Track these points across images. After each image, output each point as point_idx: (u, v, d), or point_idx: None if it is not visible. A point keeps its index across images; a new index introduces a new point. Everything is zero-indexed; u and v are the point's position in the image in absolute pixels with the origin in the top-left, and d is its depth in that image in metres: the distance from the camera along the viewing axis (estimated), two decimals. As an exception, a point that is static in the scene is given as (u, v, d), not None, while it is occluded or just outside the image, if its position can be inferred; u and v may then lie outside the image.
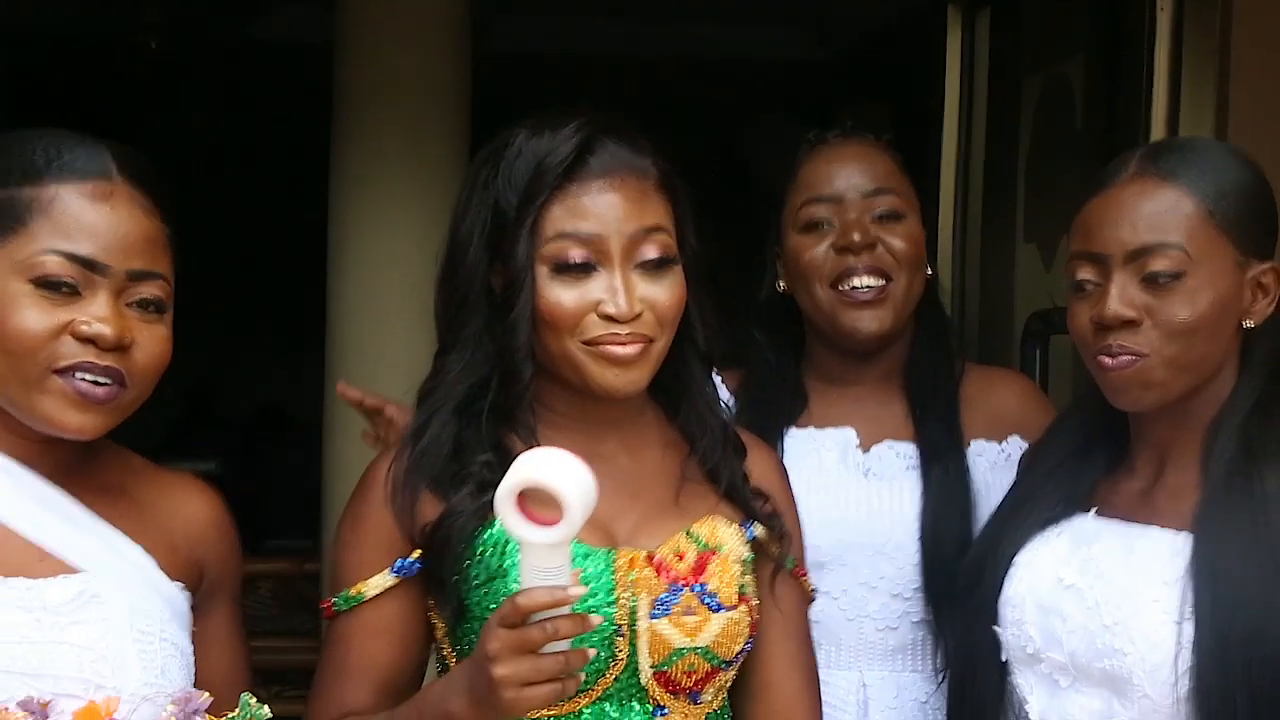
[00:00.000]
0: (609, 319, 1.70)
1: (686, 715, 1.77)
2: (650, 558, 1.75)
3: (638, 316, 1.71)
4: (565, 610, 1.52)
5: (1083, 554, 1.89)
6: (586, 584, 1.65)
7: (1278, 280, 1.86)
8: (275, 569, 4.72)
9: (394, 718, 1.70)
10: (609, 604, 1.71)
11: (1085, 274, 1.86)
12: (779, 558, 1.84)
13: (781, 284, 2.34)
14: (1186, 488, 1.86)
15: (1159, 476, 1.92)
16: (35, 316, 1.59)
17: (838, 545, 2.21)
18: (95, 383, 1.60)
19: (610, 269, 1.71)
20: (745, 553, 1.80)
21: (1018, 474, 2.11)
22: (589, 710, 1.73)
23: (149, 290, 1.65)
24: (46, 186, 1.62)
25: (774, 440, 2.22)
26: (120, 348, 1.61)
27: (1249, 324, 1.87)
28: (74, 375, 1.59)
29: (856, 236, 2.23)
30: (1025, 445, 2.27)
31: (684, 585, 1.74)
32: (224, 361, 8.37)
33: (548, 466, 1.53)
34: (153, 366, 1.65)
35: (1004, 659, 1.94)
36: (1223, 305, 1.83)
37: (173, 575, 1.72)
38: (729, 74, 7.16)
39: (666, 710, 1.76)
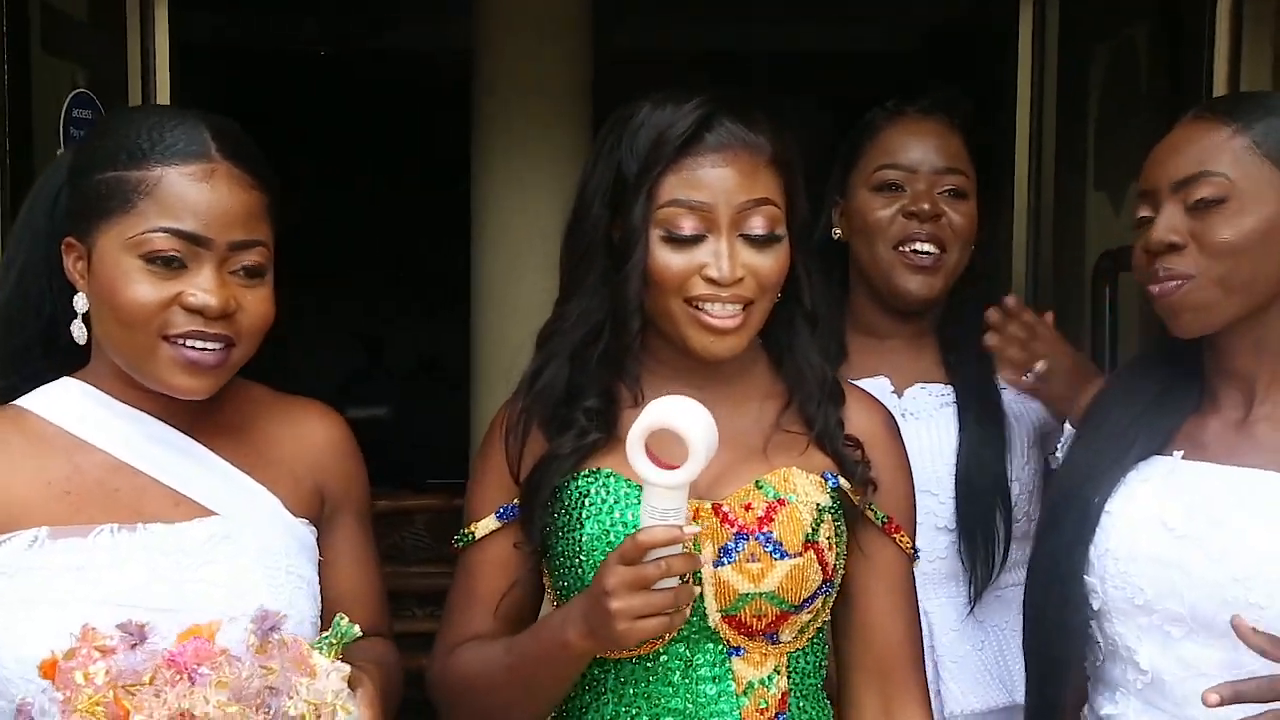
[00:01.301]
0: (712, 281, 1.61)
1: (766, 654, 1.67)
2: (716, 508, 1.64)
3: (739, 281, 1.62)
4: (678, 549, 1.47)
5: (1183, 500, 1.69)
6: None
7: None
8: (429, 504, 4.70)
9: (514, 644, 1.66)
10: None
11: (1143, 211, 1.74)
12: (861, 505, 1.72)
13: (838, 231, 2.26)
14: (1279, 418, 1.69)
15: (1249, 411, 1.71)
16: (146, 290, 1.54)
17: None
18: (205, 349, 1.55)
19: (718, 236, 1.62)
20: (825, 500, 1.68)
21: (1090, 420, 1.88)
22: (666, 651, 1.64)
23: (250, 258, 1.59)
24: (152, 169, 1.55)
25: None
26: (225, 315, 1.56)
27: None
28: (184, 343, 1.55)
29: (926, 206, 2.17)
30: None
31: (749, 534, 1.63)
32: (392, 319, 8.47)
33: (677, 411, 1.46)
34: (258, 326, 1.60)
35: (1096, 608, 1.74)
36: (1271, 228, 1.66)
37: (297, 508, 1.68)
38: (825, 67, 6.97)
39: (743, 650, 1.66)
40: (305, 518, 1.69)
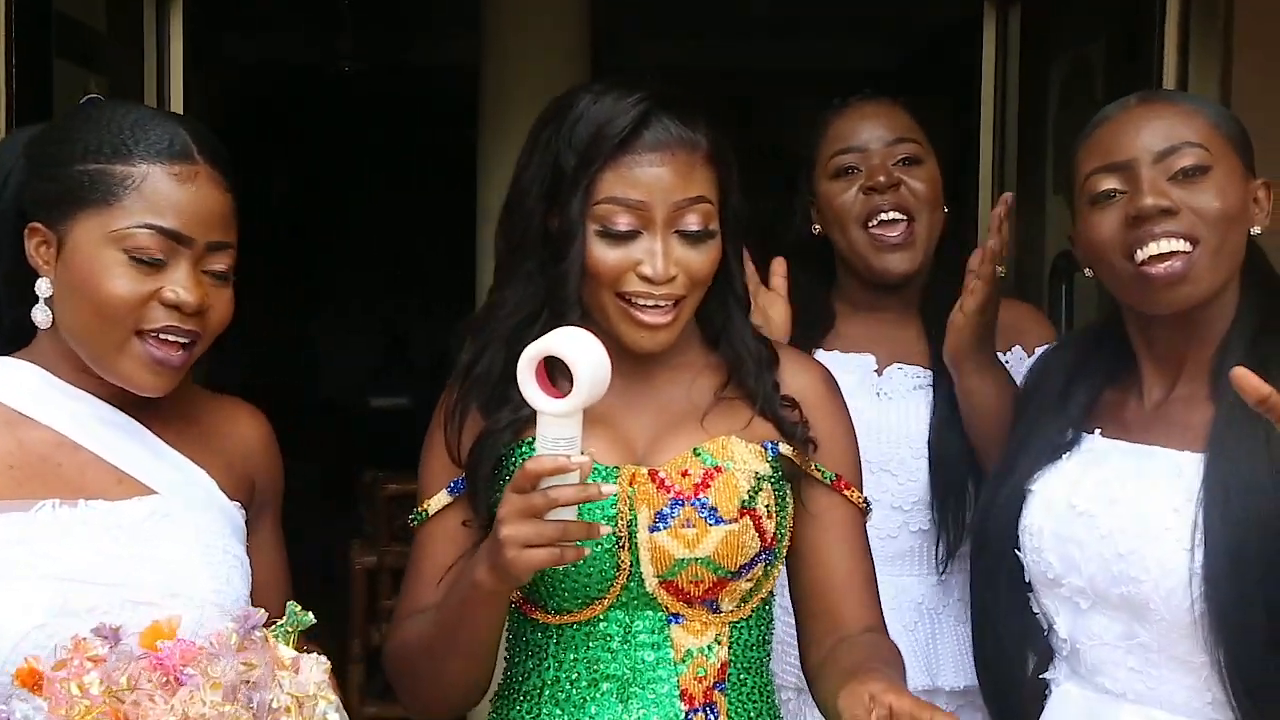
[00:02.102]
0: (645, 279, 1.51)
1: (707, 623, 1.56)
2: (653, 474, 1.54)
3: (672, 279, 1.52)
4: (571, 480, 1.37)
5: (1093, 477, 1.63)
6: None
7: (1268, 194, 1.64)
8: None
9: (439, 600, 1.56)
10: (609, 518, 1.51)
11: (1109, 184, 1.59)
12: (804, 467, 1.61)
13: (816, 228, 2.18)
14: (1197, 401, 1.60)
15: (1169, 393, 1.62)
16: (126, 284, 1.46)
17: None
18: (175, 344, 1.49)
19: (653, 233, 1.52)
20: (764, 469, 1.57)
21: (1023, 401, 1.82)
22: (606, 617, 1.54)
23: (222, 260, 1.53)
24: (138, 165, 1.47)
25: None
26: (199, 312, 1.49)
27: (1255, 230, 1.62)
28: (157, 338, 1.48)
29: (882, 178, 2.08)
30: (1025, 355, 2.07)
31: (684, 500, 1.53)
32: (414, 317, 8.50)
33: (566, 340, 1.38)
34: (221, 325, 1.54)
35: (1026, 580, 1.68)
36: (1241, 205, 1.59)
37: (230, 493, 1.61)
38: (815, 82, 6.90)
39: (682, 618, 1.55)
40: (237, 500, 1.62)
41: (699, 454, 1.55)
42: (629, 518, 1.51)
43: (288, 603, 1.43)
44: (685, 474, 1.54)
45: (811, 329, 2.12)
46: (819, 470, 1.62)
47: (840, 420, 1.67)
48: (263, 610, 1.39)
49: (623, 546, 1.51)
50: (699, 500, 1.52)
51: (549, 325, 1.53)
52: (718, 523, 1.52)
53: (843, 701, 1.37)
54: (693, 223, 1.52)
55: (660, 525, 1.51)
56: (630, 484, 1.52)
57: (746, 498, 1.54)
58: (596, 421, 1.50)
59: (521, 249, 1.57)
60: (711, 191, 1.55)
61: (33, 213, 1.50)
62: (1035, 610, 1.71)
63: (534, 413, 1.42)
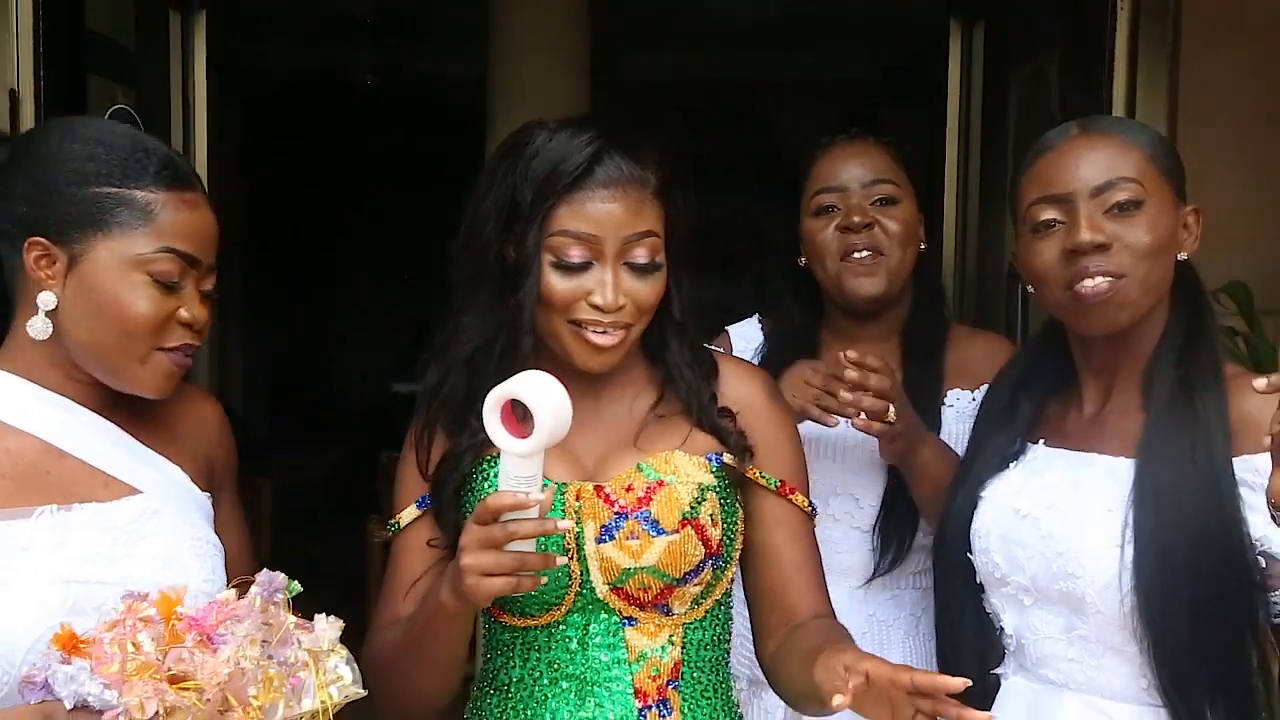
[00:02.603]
0: (596, 308, 1.52)
1: (660, 626, 1.57)
2: (599, 490, 1.55)
3: (621, 308, 1.53)
4: (530, 515, 1.38)
5: (1035, 484, 1.68)
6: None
7: (1197, 219, 1.65)
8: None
9: (409, 613, 1.57)
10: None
11: (1049, 214, 1.61)
12: (742, 470, 1.61)
13: (802, 260, 2.17)
14: (1130, 411, 1.63)
15: (1104, 403, 1.65)
16: (151, 306, 1.47)
17: (814, 483, 1.97)
18: (185, 358, 1.52)
19: (604, 265, 1.52)
20: (708, 480, 1.57)
21: (978, 416, 1.85)
22: (565, 621, 1.56)
23: (212, 280, 1.55)
24: (156, 192, 1.48)
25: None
26: (202, 329, 1.53)
27: (1182, 256, 1.63)
28: (173, 353, 1.50)
29: (856, 218, 2.08)
30: (961, 394, 2.09)
31: (628, 514, 1.53)
32: (438, 311, 8.45)
33: (529, 384, 1.38)
34: (206, 337, 1.56)
35: (978, 582, 1.71)
36: (1170, 235, 1.61)
37: (200, 483, 1.60)
38: (801, 92, 6.90)
39: (635, 621, 1.56)
40: (206, 491, 1.62)
41: (642, 469, 1.56)
42: (576, 531, 1.52)
43: (279, 575, 1.43)
44: (629, 489, 1.54)
45: (794, 357, 2.13)
46: (764, 478, 1.62)
47: (783, 427, 1.66)
48: (283, 576, 1.39)
49: (573, 558, 1.52)
50: (642, 513, 1.53)
51: (506, 351, 1.56)
52: (660, 534, 1.53)
53: (819, 675, 1.38)
54: (640, 256, 1.53)
55: (606, 538, 1.53)
56: (577, 499, 1.53)
57: (689, 509, 1.54)
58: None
59: (479, 278, 1.57)
60: (659, 226, 1.55)
61: (30, 226, 1.47)
62: (988, 610, 1.73)
63: (488, 439, 1.43)
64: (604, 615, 1.55)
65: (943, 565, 1.81)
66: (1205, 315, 1.64)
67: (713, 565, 1.57)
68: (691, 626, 1.59)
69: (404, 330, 9.10)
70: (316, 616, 1.39)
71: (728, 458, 1.59)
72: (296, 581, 1.43)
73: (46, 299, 1.47)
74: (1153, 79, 2.85)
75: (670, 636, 1.57)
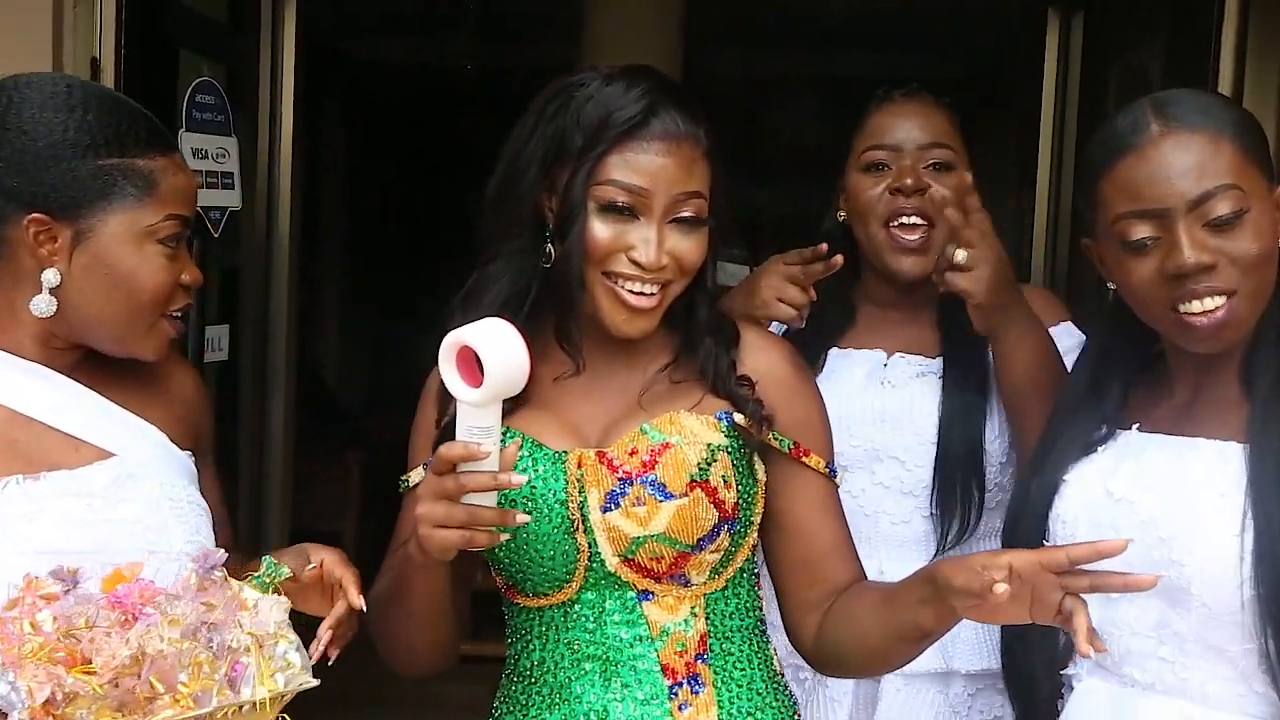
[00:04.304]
0: (636, 264, 1.41)
1: (680, 598, 1.45)
2: (601, 455, 1.43)
3: (662, 267, 1.42)
4: (483, 467, 1.29)
5: (1129, 467, 1.50)
6: (543, 482, 1.42)
7: None
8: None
9: (388, 565, 1.51)
10: (560, 501, 1.42)
11: (1143, 231, 1.43)
12: (760, 438, 1.48)
13: (841, 214, 2.01)
14: (1230, 401, 1.47)
15: (1199, 393, 1.51)
16: (163, 274, 1.43)
17: (856, 451, 1.90)
18: (181, 321, 1.49)
19: (650, 220, 1.41)
20: (718, 439, 1.45)
21: (1057, 402, 1.67)
22: (578, 599, 1.45)
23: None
24: (155, 159, 1.43)
25: (818, 356, 1.93)
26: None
27: None
28: (173, 316, 1.47)
29: (909, 181, 1.92)
30: None
31: (632, 479, 1.42)
32: None
33: (483, 332, 1.29)
34: None
35: None
36: (1274, 233, 1.45)
37: (181, 442, 1.52)
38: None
39: (652, 595, 1.44)
40: (187, 449, 1.53)
41: (646, 431, 1.45)
42: (579, 500, 1.41)
43: (264, 557, 1.36)
44: (633, 453, 1.43)
45: (831, 326, 1.99)
46: (776, 438, 1.49)
47: (807, 396, 1.55)
48: (222, 551, 1.31)
49: (578, 529, 1.41)
50: (647, 478, 1.42)
51: (537, 303, 1.45)
52: (667, 498, 1.41)
53: (958, 580, 1.30)
54: (687, 213, 1.43)
55: (611, 506, 1.41)
56: (579, 466, 1.43)
57: (697, 471, 1.42)
58: (545, 408, 1.46)
59: (514, 225, 1.46)
60: (706, 188, 1.45)
61: (25, 203, 1.38)
62: None
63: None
64: (618, 590, 1.44)
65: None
66: None
67: (729, 530, 1.45)
68: (714, 597, 1.47)
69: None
70: (262, 597, 1.29)
71: (739, 417, 1.47)
72: (285, 567, 1.36)
73: (51, 276, 1.40)
74: (1263, 73, 2.61)
75: (692, 609, 1.46)
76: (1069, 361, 1.77)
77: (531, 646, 1.48)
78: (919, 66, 6.39)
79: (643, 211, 1.41)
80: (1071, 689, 1.55)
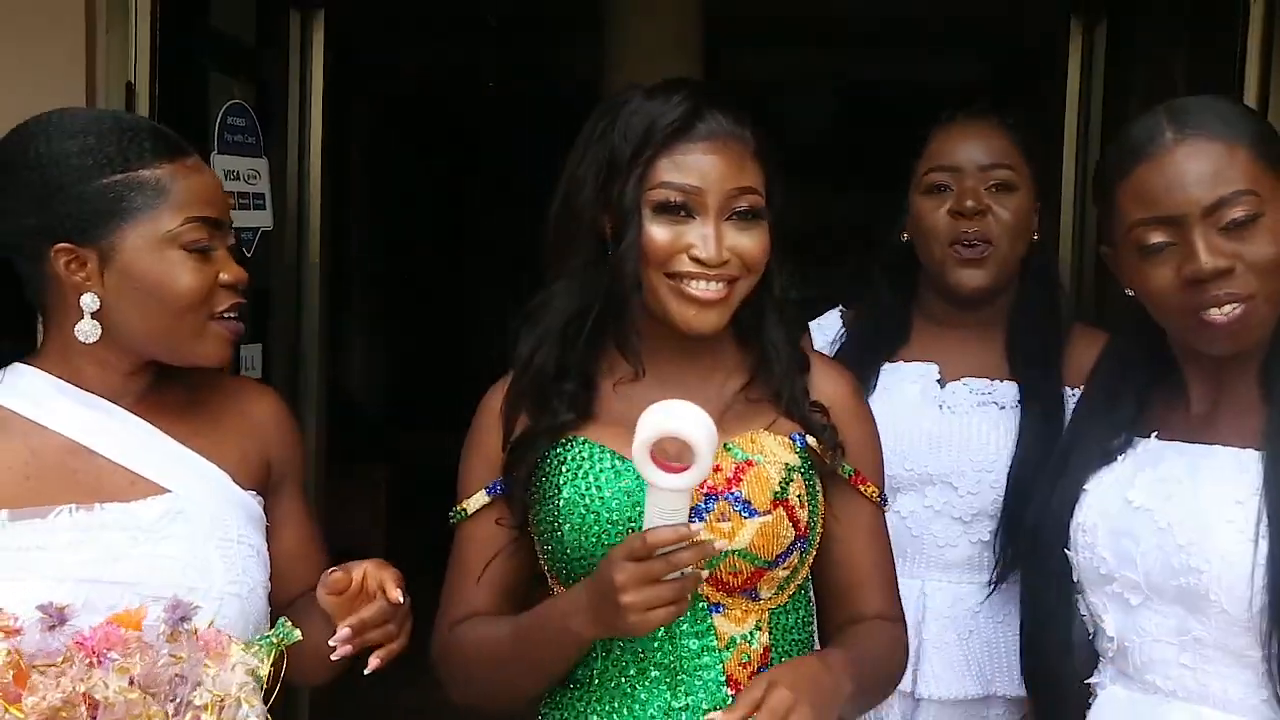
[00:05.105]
0: (698, 261, 1.42)
1: (747, 611, 1.47)
2: None
3: (725, 263, 1.43)
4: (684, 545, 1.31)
5: (1148, 475, 1.51)
6: (626, 495, 1.43)
7: None
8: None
9: (518, 628, 1.47)
10: (643, 514, 1.38)
11: (1159, 237, 1.43)
12: (831, 465, 1.52)
13: (905, 235, 2.01)
14: (1247, 408, 1.48)
15: (1216, 401, 1.51)
16: (193, 277, 1.42)
17: (906, 473, 1.89)
18: (238, 320, 1.47)
19: (705, 218, 1.43)
20: (793, 460, 1.48)
21: (1075, 411, 1.69)
22: None
23: (232, 236, 1.49)
24: (161, 167, 1.41)
25: (871, 371, 1.91)
26: (243, 288, 1.47)
27: None
28: (224, 317, 1.45)
29: (970, 203, 1.91)
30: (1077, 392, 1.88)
31: (718, 495, 1.43)
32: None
33: (679, 418, 1.29)
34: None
35: (1075, 580, 1.53)
36: None
37: (245, 480, 1.51)
38: (911, 94, 6.69)
39: (723, 607, 1.47)
40: (253, 489, 1.52)
41: (729, 449, 1.46)
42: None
43: (279, 619, 1.33)
44: (717, 469, 1.43)
45: (886, 341, 1.98)
46: (840, 466, 1.53)
47: (869, 426, 1.59)
48: (194, 602, 1.29)
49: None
50: (732, 494, 1.44)
51: (600, 320, 1.45)
52: (751, 515, 1.43)
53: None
54: (744, 205, 1.44)
55: (695, 520, 1.40)
56: None
57: (778, 489, 1.45)
58: (619, 421, 1.45)
59: (573, 244, 1.47)
60: (759, 184, 1.46)
61: (49, 235, 1.39)
62: (1083, 613, 1.57)
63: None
64: (694, 602, 1.44)
65: (1035, 562, 1.64)
66: None
67: (800, 548, 1.48)
68: (777, 611, 1.50)
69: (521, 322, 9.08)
70: (233, 645, 1.26)
71: (811, 440, 1.51)
72: (298, 630, 1.31)
73: (89, 301, 1.41)
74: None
75: (757, 622, 1.48)
76: None
77: (593, 656, 1.47)
78: (942, 74, 6.37)
79: (698, 210, 1.42)
80: (1091, 701, 1.55)
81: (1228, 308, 1.41)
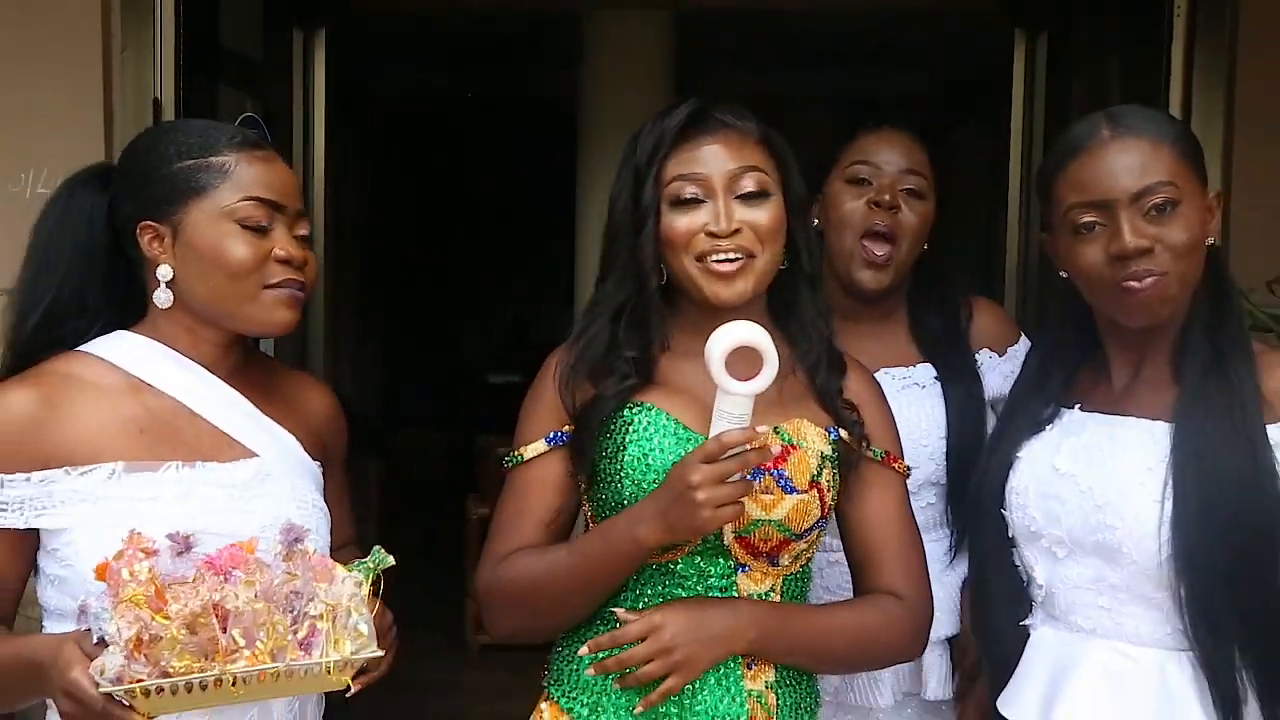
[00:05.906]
0: (713, 235, 1.57)
1: (766, 574, 1.61)
2: None
3: (736, 232, 1.57)
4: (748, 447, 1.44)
5: (1072, 443, 1.68)
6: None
7: (1219, 202, 1.67)
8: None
9: (577, 547, 1.58)
10: None
11: (1090, 218, 1.60)
12: (864, 453, 1.66)
13: (816, 221, 2.09)
14: (1161, 383, 1.64)
15: (1135, 376, 1.66)
16: (245, 248, 1.54)
17: None
18: (295, 291, 1.57)
19: (715, 199, 1.58)
20: (827, 450, 1.61)
21: (1013, 385, 1.86)
22: (683, 561, 1.58)
23: (305, 226, 1.61)
24: (228, 155, 1.56)
25: None
26: (302, 265, 1.58)
27: (1210, 241, 1.63)
28: (280, 288, 1.56)
29: (887, 197, 2.06)
30: (992, 355, 2.13)
31: (764, 470, 1.56)
32: (535, 305, 8.78)
33: (753, 330, 1.44)
34: (314, 281, 1.62)
35: (1010, 536, 1.71)
36: (1203, 227, 1.62)
37: (311, 451, 1.66)
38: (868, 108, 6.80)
39: (748, 568, 1.60)
40: (318, 460, 1.68)
41: (779, 431, 1.59)
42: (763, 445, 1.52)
43: (375, 546, 1.45)
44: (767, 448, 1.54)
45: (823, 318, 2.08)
46: (872, 450, 1.66)
47: (887, 412, 1.72)
48: (305, 525, 1.42)
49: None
50: (777, 471, 1.56)
51: (636, 296, 1.61)
52: (792, 492, 1.56)
53: None
54: (748, 184, 1.58)
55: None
56: None
57: (815, 473, 1.58)
58: (679, 391, 1.59)
59: (617, 246, 1.63)
60: (764, 165, 1.60)
61: (139, 216, 1.56)
62: (1018, 564, 1.73)
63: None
64: (722, 560, 1.58)
65: (976, 523, 1.80)
66: (1232, 295, 1.65)
67: (820, 526, 1.61)
68: (790, 578, 1.63)
69: (504, 327, 9.21)
70: (337, 570, 1.38)
71: (843, 433, 1.64)
72: (391, 557, 1.42)
73: (164, 271, 1.55)
74: (1208, 88, 2.76)
75: (773, 585, 1.60)
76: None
77: (623, 596, 1.58)
78: (896, 85, 6.53)
79: (708, 194, 1.57)
80: (1028, 637, 1.72)
81: (1146, 280, 1.57)
